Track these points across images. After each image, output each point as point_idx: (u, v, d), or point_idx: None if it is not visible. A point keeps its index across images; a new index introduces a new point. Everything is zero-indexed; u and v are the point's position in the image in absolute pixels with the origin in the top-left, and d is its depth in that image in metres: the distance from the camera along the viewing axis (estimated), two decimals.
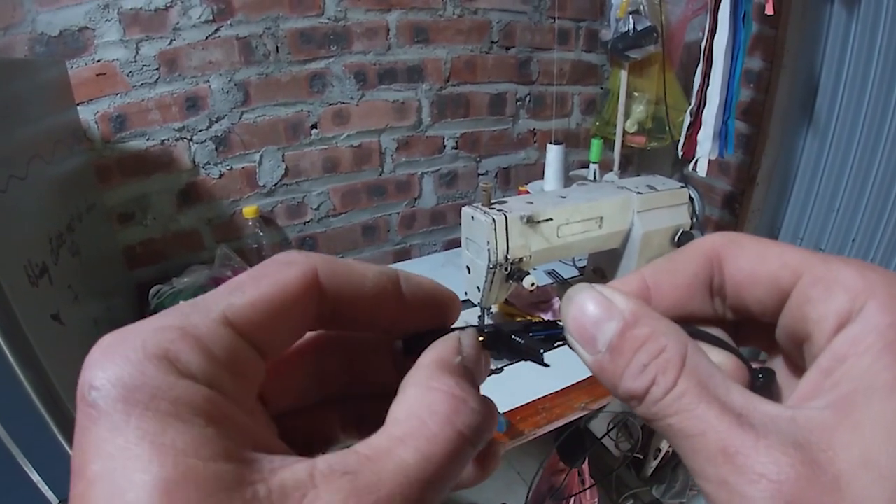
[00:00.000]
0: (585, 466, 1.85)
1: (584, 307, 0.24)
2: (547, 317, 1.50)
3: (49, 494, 0.68)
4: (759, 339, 0.28)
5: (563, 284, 1.77)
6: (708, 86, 1.57)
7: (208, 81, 1.53)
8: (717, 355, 0.25)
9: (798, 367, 0.25)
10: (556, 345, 0.28)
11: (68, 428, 0.67)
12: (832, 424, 0.19)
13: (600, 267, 1.65)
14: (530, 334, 0.29)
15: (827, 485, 0.18)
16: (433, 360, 0.24)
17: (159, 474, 0.17)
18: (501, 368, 1.37)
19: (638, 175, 1.92)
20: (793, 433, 0.19)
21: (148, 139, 1.51)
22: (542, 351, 0.28)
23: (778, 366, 0.27)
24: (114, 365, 0.18)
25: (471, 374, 0.24)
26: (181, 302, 0.21)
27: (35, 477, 0.66)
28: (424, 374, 0.23)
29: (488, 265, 1.29)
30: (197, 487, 0.17)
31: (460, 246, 1.41)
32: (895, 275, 0.22)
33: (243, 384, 0.21)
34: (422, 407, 0.21)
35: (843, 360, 0.21)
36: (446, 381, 0.22)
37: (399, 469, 0.19)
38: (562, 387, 1.30)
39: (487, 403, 0.23)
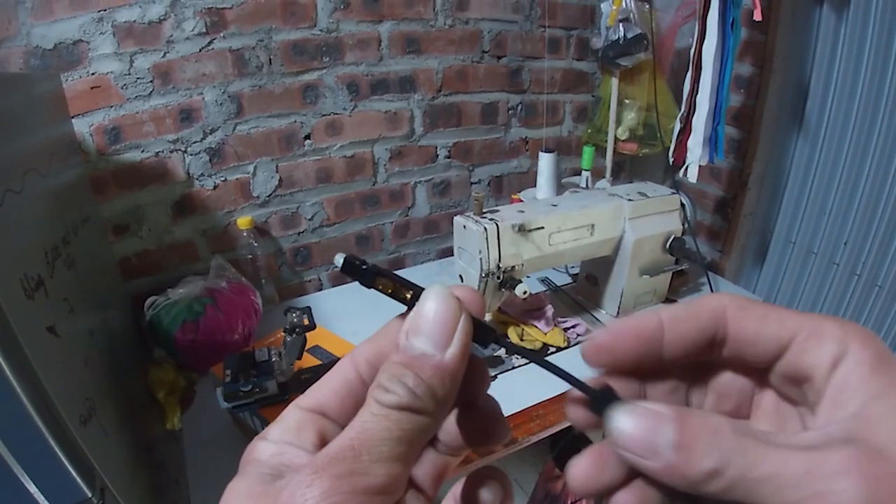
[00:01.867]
0: None
1: (637, 426, 0.27)
2: (539, 325, 1.50)
3: None
4: (746, 379, 0.33)
5: (555, 292, 1.77)
6: (697, 92, 1.58)
7: (202, 93, 1.54)
8: None
9: (791, 399, 0.31)
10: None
11: (64, 439, 0.67)
12: (860, 426, 0.25)
13: (593, 274, 1.66)
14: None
15: (880, 457, 0.23)
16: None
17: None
18: (495, 376, 1.38)
19: (630, 182, 1.93)
20: (838, 440, 0.25)
21: (142, 151, 1.52)
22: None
23: (767, 397, 0.32)
24: None
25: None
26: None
27: (32, 488, 0.66)
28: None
29: (480, 274, 1.31)
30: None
31: (454, 255, 1.42)
32: (864, 327, 0.28)
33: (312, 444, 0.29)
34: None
35: (845, 388, 0.26)
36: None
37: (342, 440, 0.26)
38: (555, 393, 1.30)
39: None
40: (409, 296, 0.31)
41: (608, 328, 0.31)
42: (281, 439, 0.29)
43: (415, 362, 0.27)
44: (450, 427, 0.33)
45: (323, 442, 0.28)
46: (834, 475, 0.23)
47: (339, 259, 0.32)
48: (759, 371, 0.31)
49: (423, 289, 0.30)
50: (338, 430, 0.27)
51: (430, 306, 0.28)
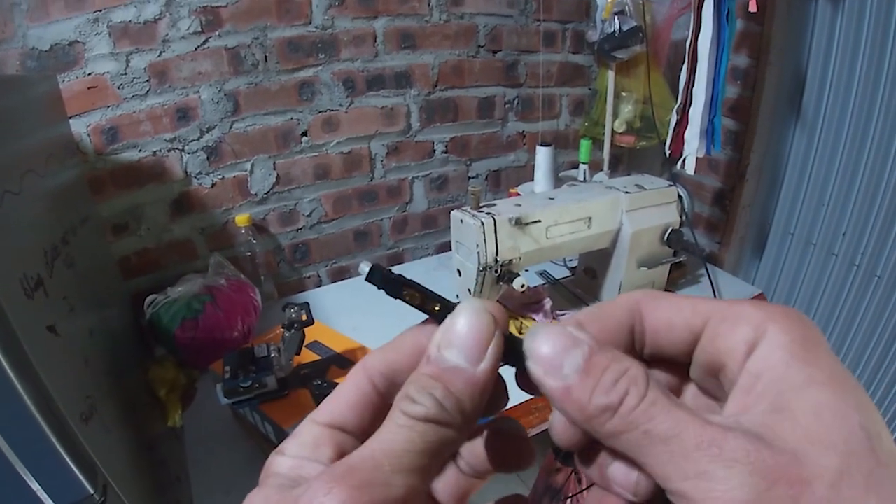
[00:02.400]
0: None
1: (550, 340, 0.27)
2: (538, 317, 1.51)
3: (48, 501, 0.69)
4: (669, 375, 0.32)
5: (554, 285, 1.78)
6: (693, 84, 1.58)
7: (198, 92, 1.54)
8: None
9: (711, 395, 0.30)
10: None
11: (66, 437, 0.68)
12: (773, 421, 0.23)
13: (591, 267, 1.66)
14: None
15: (789, 461, 0.21)
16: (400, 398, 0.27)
17: None
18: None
19: (628, 174, 1.93)
20: (748, 427, 0.23)
21: (140, 150, 1.52)
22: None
23: (690, 393, 0.31)
24: None
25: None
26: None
27: (34, 485, 0.67)
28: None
29: (478, 268, 1.31)
30: None
31: (452, 249, 1.42)
32: (787, 309, 0.26)
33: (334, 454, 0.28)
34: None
35: (759, 376, 0.24)
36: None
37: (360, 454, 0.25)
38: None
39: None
40: (437, 308, 0.31)
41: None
42: (298, 454, 0.28)
43: (445, 375, 0.27)
44: (477, 450, 0.33)
45: (340, 456, 0.27)
46: (729, 459, 0.22)
47: (364, 268, 0.32)
48: (680, 367, 0.30)
49: (452, 302, 0.30)
50: (355, 444, 0.27)
51: (465, 321, 0.28)
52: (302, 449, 0.29)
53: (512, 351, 0.29)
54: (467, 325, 0.28)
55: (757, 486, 0.21)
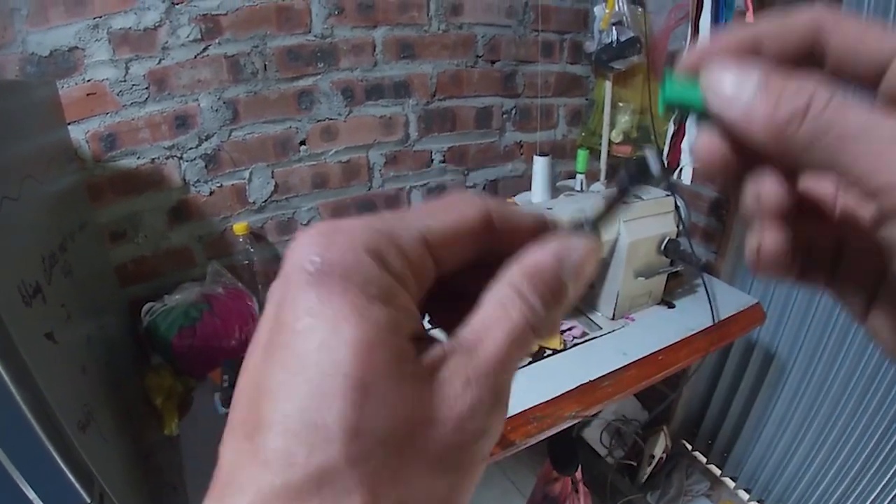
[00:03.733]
0: (579, 474, 1.86)
1: (726, 71, 0.26)
2: None
3: None
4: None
5: None
6: None
7: (197, 100, 1.54)
8: None
9: None
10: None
11: (62, 445, 0.68)
12: None
13: None
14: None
15: None
16: (525, 265, 0.27)
17: (363, 338, 0.22)
18: None
19: None
20: None
21: (138, 158, 1.52)
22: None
23: None
24: (336, 248, 0.23)
25: (559, 283, 0.27)
26: (381, 216, 0.26)
27: (31, 494, 0.67)
28: (512, 273, 0.26)
29: None
30: (388, 352, 0.22)
31: None
32: None
33: (420, 286, 0.26)
34: (494, 320, 0.25)
35: None
36: (530, 295, 0.26)
37: (488, 355, 0.24)
38: (553, 395, 1.30)
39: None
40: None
41: (699, 47, 0.28)
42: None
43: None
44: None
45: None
46: None
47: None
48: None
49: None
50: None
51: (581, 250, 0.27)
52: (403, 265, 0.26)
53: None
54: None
55: None
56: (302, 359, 0.22)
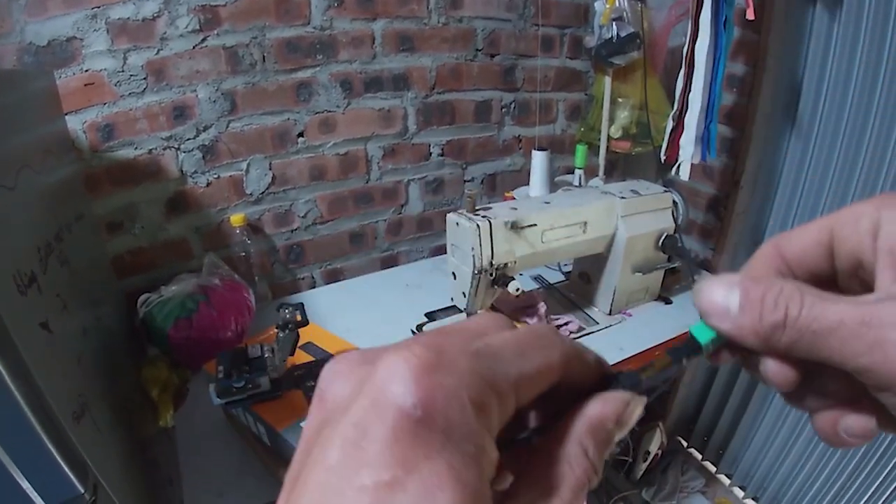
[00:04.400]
0: None
1: (712, 292, 0.31)
2: (532, 321, 1.51)
3: (39, 501, 0.68)
4: None
5: (548, 289, 1.78)
6: (690, 91, 1.59)
7: (195, 91, 1.54)
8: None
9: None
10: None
11: (57, 435, 0.68)
12: None
13: (586, 272, 1.66)
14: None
15: None
16: (590, 420, 0.28)
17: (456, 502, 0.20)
18: None
19: (623, 180, 1.93)
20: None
21: (136, 148, 1.51)
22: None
23: None
24: (442, 397, 0.22)
25: (612, 438, 0.29)
26: (478, 348, 0.25)
27: (25, 484, 0.67)
28: (580, 431, 0.28)
29: (473, 271, 1.31)
30: None
31: (447, 252, 1.42)
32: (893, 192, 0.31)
33: (501, 427, 0.25)
34: (564, 478, 0.27)
35: (891, 250, 0.28)
36: (592, 453, 0.28)
37: None
38: None
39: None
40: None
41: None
42: None
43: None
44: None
45: None
46: (889, 325, 0.25)
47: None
48: (829, 284, 0.33)
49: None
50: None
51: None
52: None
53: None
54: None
55: None
56: None
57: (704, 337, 0.32)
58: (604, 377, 0.32)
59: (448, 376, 0.22)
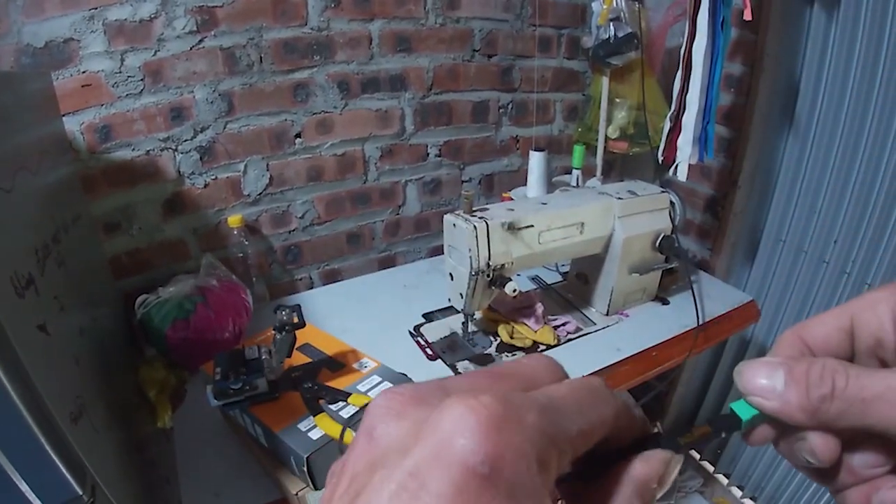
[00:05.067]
0: None
1: (755, 372, 0.32)
2: (529, 322, 1.51)
3: (36, 502, 0.68)
4: None
5: (545, 290, 1.78)
6: (687, 91, 1.59)
7: (192, 92, 1.54)
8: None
9: None
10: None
11: (55, 437, 0.68)
12: None
13: (583, 272, 1.66)
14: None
15: None
16: (637, 482, 0.29)
17: None
18: None
19: (621, 180, 1.94)
20: None
21: (133, 149, 1.51)
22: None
23: None
24: (510, 454, 0.21)
25: (655, 497, 0.30)
26: (542, 403, 0.25)
27: (23, 486, 0.66)
28: (628, 492, 0.29)
29: (470, 272, 1.31)
30: None
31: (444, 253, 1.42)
32: None
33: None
34: None
35: None
36: None
37: None
38: None
39: None
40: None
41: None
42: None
43: None
44: None
45: None
46: None
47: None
48: None
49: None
50: None
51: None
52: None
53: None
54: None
55: None
56: None
57: (746, 414, 0.33)
58: (645, 435, 0.32)
59: (517, 434, 0.22)
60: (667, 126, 1.68)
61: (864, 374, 0.29)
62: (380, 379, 1.16)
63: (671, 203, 1.58)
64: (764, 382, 0.31)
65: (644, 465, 0.29)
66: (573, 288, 1.74)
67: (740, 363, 0.33)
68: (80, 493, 0.71)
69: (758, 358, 0.33)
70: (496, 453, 0.21)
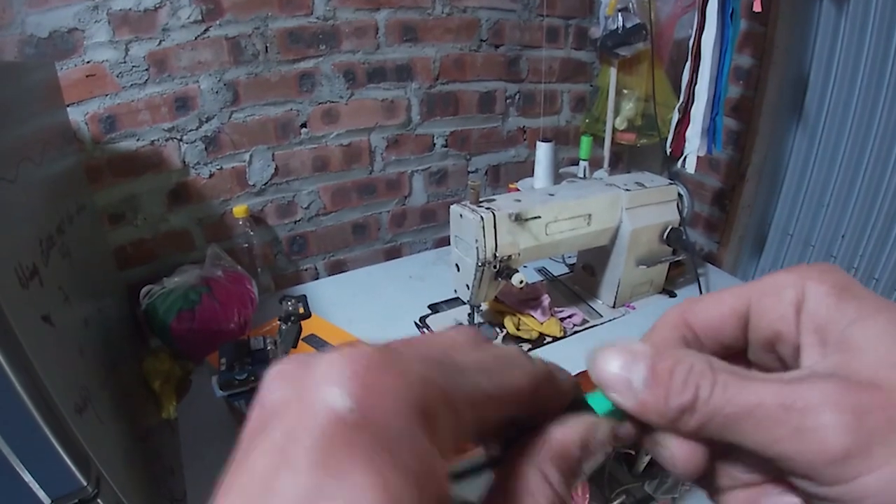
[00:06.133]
0: None
1: (610, 361, 0.28)
2: (536, 314, 1.50)
3: (41, 494, 0.68)
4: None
5: (552, 282, 1.77)
6: (696, 83, 1.58)
7: (198, 81, 1.53)
8: None
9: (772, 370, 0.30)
10: None
11: (59, 428, 0.67)
12: (843, 360, 0.24)
13: (590, 264, 1.66)
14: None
15: (872, 389, 0.23)
16: (552, 446, 0.27)
17: None
18: None
19: (628, 172, 1.93)
20: (822, 371, 0.24)
21: (138, 140, 1.51)
22: None
23: None
24: (383, 402, 0.20)
25: (580, 466, 0.27)
26: (437, 359, 0.23)
27: (27, 477, 0.66)
28: (542, 458, 0.26)
29: (477, 263, 1.30)
30: None
31: (450, 244, 1.42)
32: (819, 265, 0.28)
33: (455, 446, 0.23)
34: (527, 492, 0.25)
35: (815, 327, 0.26)
36: (556, 481, 0.26)
37: None
38: None
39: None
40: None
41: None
42: None
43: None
44: None
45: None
46: (815, 408, 0.23)
47: None
48: (739, 356, 0.31)
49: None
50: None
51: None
52: None
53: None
54: None
55: (849, 423, 0.22)
56: None
57: (602, 407, 0.29)
58: (576, 402, 0.30)
59: (394, 381, 0.20)
60: (675, 117, 1.67)
61: (735, 384, 0.25)
62: None
63: (679, 195, 1.57)
64: (618, 374, 0.27)
65: (560, 428, 0.27)
66: (580, 280, 1.74)
67: (597, 346, 0.29)
68: (85, 484, 0.71)
69: (620, 342, 0.29)
70: (367, 399, 0.19)
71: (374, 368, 0.20)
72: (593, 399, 0.29)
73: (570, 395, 0.30)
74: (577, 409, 0.29)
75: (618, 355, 0.28)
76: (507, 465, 0.26)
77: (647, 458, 2.23)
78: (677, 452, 0.27)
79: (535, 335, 1.48)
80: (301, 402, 0.20)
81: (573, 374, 0.31)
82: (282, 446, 0.19)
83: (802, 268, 0.28)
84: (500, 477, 0.26)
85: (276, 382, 0.22)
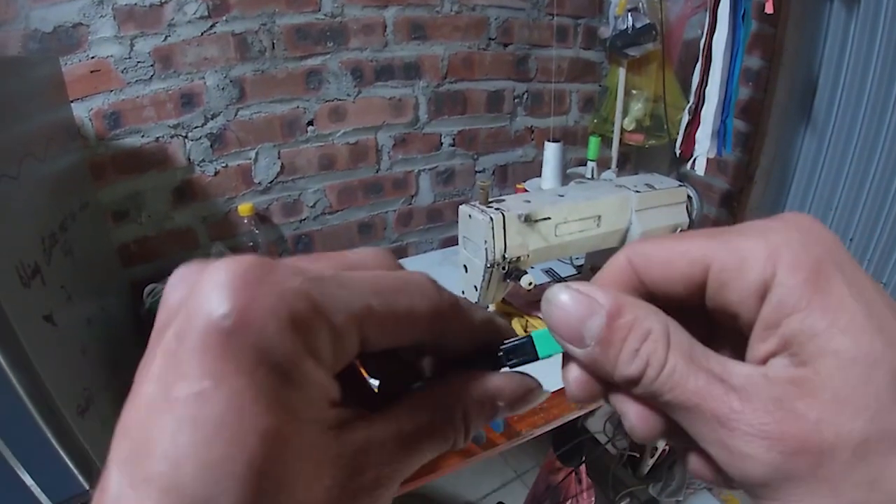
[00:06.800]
0: (583, 468, 1.85)
1: (567, 306, 0.26)
2: None
3: (42, 497, 0.67)
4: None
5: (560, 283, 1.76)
6: (706, 84, 1.57)
7: (203, 78, 1.52)
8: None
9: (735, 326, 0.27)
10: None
11: (61, 430, 0.66)
12: (798, 378, 0.22)
13: (598, 266, 1.63)
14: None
15: (811, 430, 0.21)
16: (489, 391, 0.28)
17: (269, 428, 0.19)
18: None
19: (636, 173, 1.91)
20: (769, 391, 0.22)
21: (143, 136, 1.50)
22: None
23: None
24: (257, 309, 0.20)
25: (495, 417, 0.28)
26: (325, 274, 0.23)
27: (28, 480, 0.65)
28: (471, 398, 0.27)
29: (485, 264, 1.29)
30: (298, 445, 0.20)
31: (457, 244, 1.40)
32: (795, 229, 0.24)
33: (341, 363, 0.23)
34: (427, 435, 0.25)
35: (777, 325, 0.23)
36: (472, 423, 0.27)
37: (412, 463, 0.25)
38: (559, 387, 1.29)
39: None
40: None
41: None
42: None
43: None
44: None
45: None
46: (747, 435, 0.22)
47: None
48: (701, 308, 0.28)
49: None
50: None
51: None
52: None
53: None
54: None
55: (774, 460, 0.21)
56: (200, 427, 0.19)
57: (546, 350, 0.28)
58: (495, 341, 0.29)
59: (269, 290, 0.20)
60: (685, 119, 1.66)
61: (683, 370, 0.23)
62: None
63: (688, 197, 1.55)
64: (572, 323, 0.26)
65: (500, 379, 0.28)
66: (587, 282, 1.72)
67: (556, 286, 0.27)
68: (87, 487, 0.71)
69: (582, 282, 0.26)
70: (241, 307, 0.20)
71: (251, 278, 0.20)
72: (540, 338, 0.28)
73: (482, 332, 0.29)
74: (492, 351, 0.29)
75: (576, 302, 0.26)
76: (436, 391, 0.27)
77: (651, 461, 2.23)
78: (631, 414, 0.26)
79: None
80: (187, 307, 0.20)
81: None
82: (173, 351, 0.20)
83: (775, 234, 0.24)
84: (425, 398, 0.26)
85: (177, 284, 0.23)
